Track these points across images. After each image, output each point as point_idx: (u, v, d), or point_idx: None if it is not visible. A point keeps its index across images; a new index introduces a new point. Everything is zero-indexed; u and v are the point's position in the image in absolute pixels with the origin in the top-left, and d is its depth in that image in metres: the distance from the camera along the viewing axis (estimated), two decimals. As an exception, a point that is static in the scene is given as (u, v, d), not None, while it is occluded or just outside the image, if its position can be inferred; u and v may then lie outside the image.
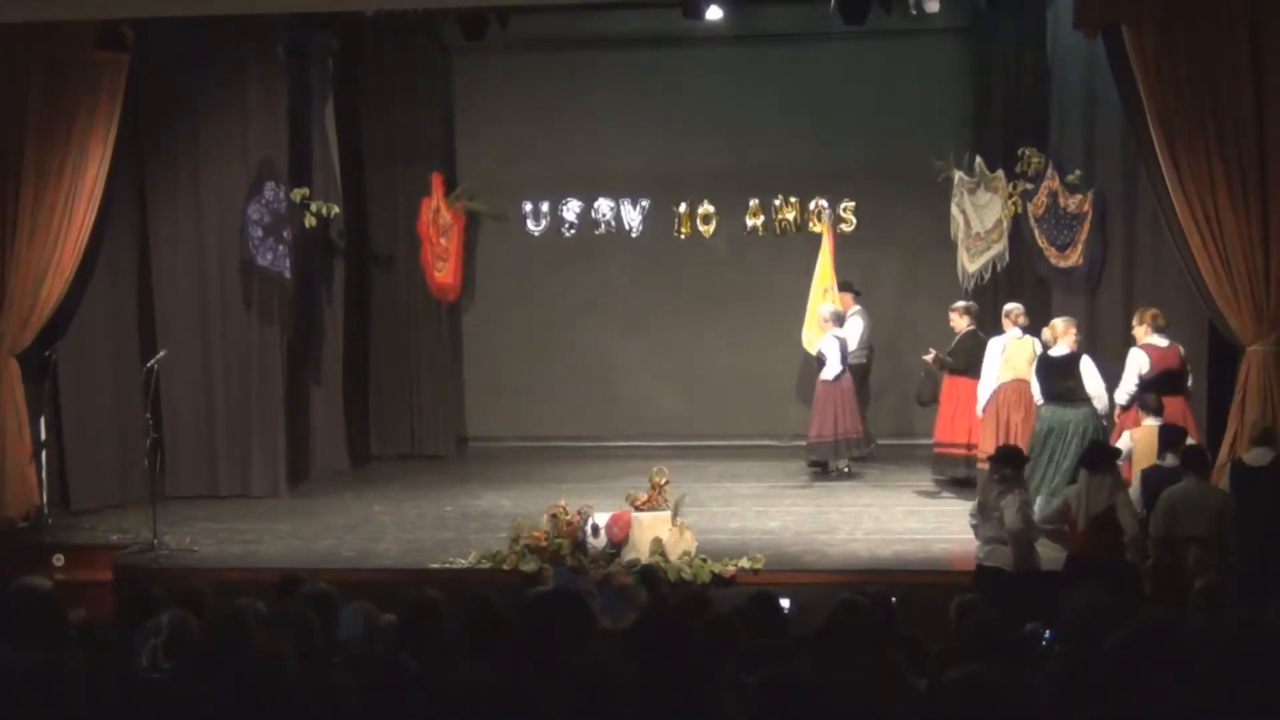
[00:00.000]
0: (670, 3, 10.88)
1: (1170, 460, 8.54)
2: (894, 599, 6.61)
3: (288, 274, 12.05)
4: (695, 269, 13.97)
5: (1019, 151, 11.61)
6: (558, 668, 4.56)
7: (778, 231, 13.85)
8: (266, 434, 12.11)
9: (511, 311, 14.21)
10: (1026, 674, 5.00)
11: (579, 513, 9.36)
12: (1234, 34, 9.41)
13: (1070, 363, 9.90)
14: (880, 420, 13.14)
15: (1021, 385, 10.49)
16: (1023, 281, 12.10)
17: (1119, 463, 8.92)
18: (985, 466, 10.03)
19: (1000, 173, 11.63)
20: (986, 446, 10.38)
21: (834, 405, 11.82)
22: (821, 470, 12.14)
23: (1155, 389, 9.54)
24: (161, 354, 11.15)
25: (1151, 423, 9.27)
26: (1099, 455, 8.42)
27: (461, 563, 9.40)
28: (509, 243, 14.20)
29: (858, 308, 12.61)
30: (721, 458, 13.12)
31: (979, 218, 11.72)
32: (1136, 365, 9.72)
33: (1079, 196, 11.15)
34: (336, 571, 8.98)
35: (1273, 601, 5.58)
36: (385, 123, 13.83)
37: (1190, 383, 9.85)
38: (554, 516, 9.38)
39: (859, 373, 12.36)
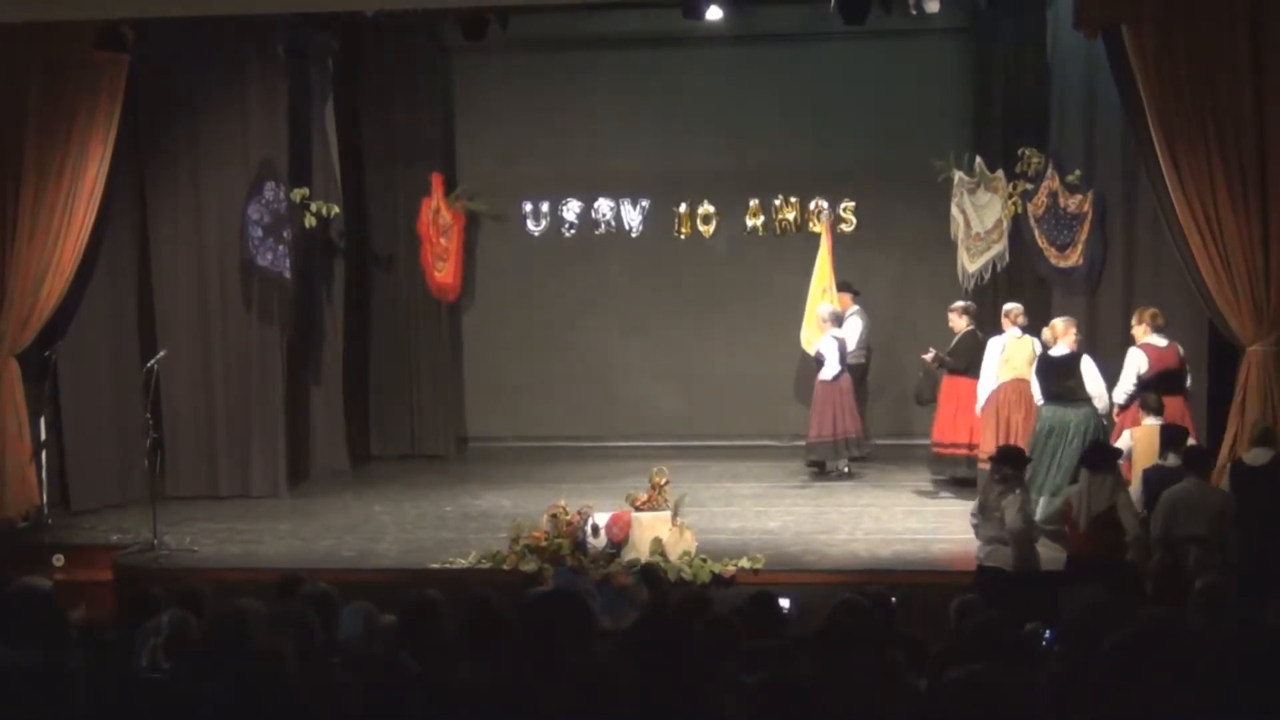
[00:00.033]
0: (670, 3, 10.88)
1: (1172, 460, 8.54)
2: (894, 599, 6.61)
3: (288, 274, 12.05)
4: (695, 269, 13.97)
5: (1019, 151, 11.61)
6: (558, 668, 4.56)
7: (778, 231, 13.85)
8: (266, 434, 12.11)
9: (511, 311, 14.22)
10: (1026, 674, 5.00)
11: (579, 513, 9.36)
12: (1234, 34, 9.41)
13: (1071, 363, 9.90)
14: (878, 420, 13.14)
15: (1022, 385, 10.50)
16: (1023, 281, 12.10)
17: (1119, 462, 8.94)
18: (986, 466, 10.07)
19: (1000, 173, 11.63)
20: (987, 446, 10.38)
21: (833, 405, 11.82)
22: (820, 470, 12.14)
23: (1154, 389, 9.54)
24: (161, 354, 11.15)
25: (1152, 422, 9.27)
26: (1100, 455, 8.42)
27: (461, 563, 9.41)
28: (509, 243, 14.20)
29: (856, 308, 12.62)
30: (721, 458, 13.12)
31: (979, 218, 11.72)
32: (1135, 365, 9.72)
33: (1079, 196, 11.15)
34: (336, 571, 8.98)
35: (1273, 601, 5.58)
36: (385, 123, 13.84)
37: (1189, 383, 9.85)
38: (554, 516, 9.38)
39: (857, 373, 12.37)
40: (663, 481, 9.53)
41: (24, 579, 5.95)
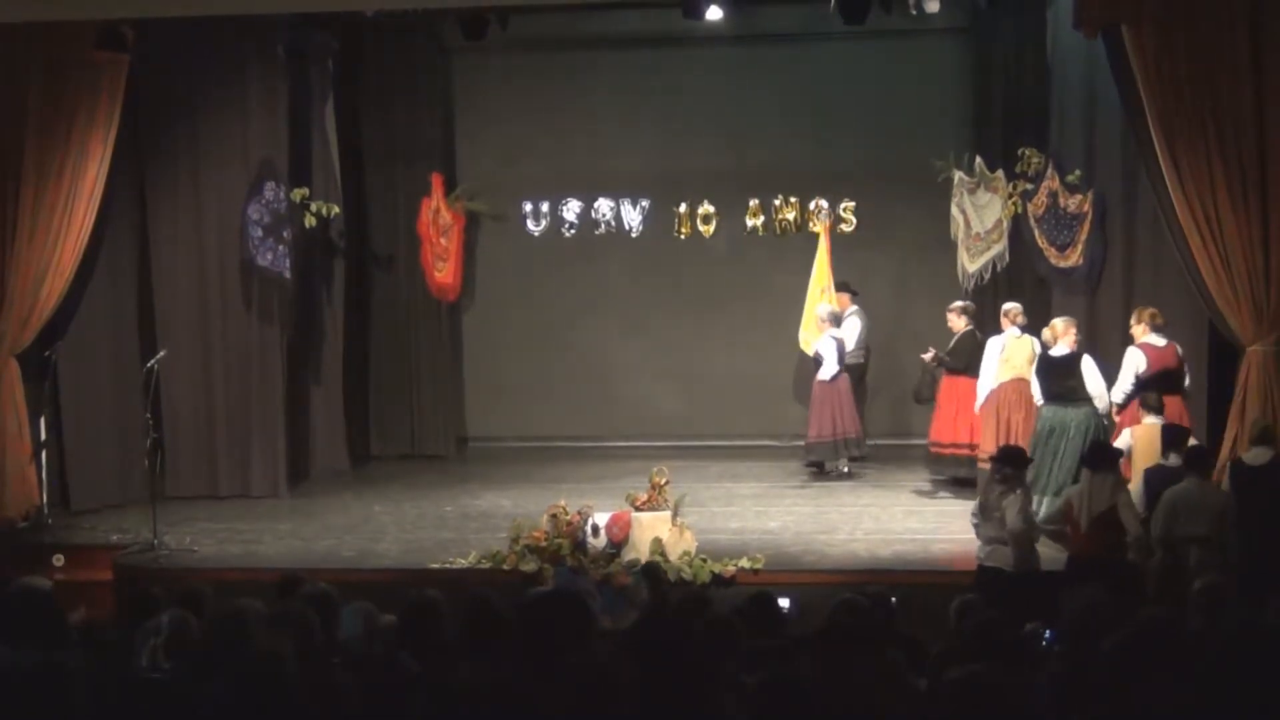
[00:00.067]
0: (670, 3, 10.88)
1: (1173, 460, 8.54)
2: (894, 599, 6.61)
3: (288, 274, 12.05)
4: (695, 269, 13.97)
5: (1019, 151, 11.61)
6: (558, 668, 4.56)
7: (778, 231, 13.85)
8: (266, 434, 12.11)
9: (511, 311, 14.22)
10: (1026, 674, 5.00)
11: (579, 513, 9.36)
12: (1234, 34, 9.40)
13: (1071, 362, 9.90)
14: (877, 420, 13.14)
15: (1022, 385, 10.50)
16: (1023, 281, 12.10)
17: (1119, 461, 8.95)
18: (986, 466, 10.07)
19: (1000, 173, 11.63)
20: (987, 446, 10.39)
21: (831, 405, 11.82)
22: (819, 470, 12.14)
23: (1153, 388, 9.54)
24: (161, 354, 11.15)
25: (1152, 420, 9.27)
26: (1101, 455, 8.42)
27: (461, 563, 9.40)
28: (509, 243, 14.20)
29: (855, 308, 12.62)
30: (721, 458, 13.12)
31: (979, 218, 11.72)
32: (1133, 364, 9.73)
33: (1079, 196, 11.15)
34: (336, 571, 8.98)
35: (1273, 601, 5.58)
36: (385, 123, 13.84)
37: (1188, 382, 9.85)
38: (554, 516, 9.38)
39: (856, 373, 12.37)
40: (663, 481, 9.53)
41: (24, 579, 5.95)
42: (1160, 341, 9.76)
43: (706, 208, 13.92)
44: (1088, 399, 9.79)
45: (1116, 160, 11.00)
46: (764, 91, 13.65)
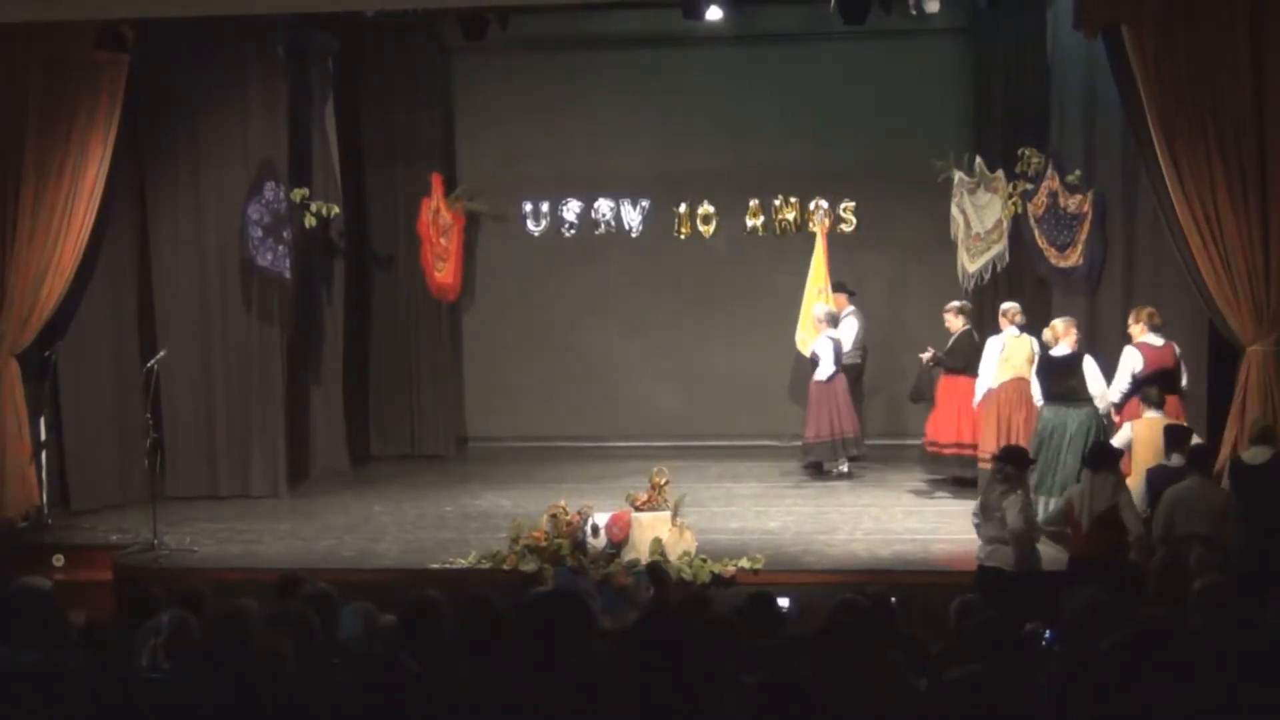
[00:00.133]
0: (670, 3, 10.88)
1: (1175, 460, 8.54)
2: (894, 599, 6.61)
3: (288, 274, 12.05)
4: (695, 269, 13.97)
5: (1019, 151, 11.61)
6: (558, 668, 4.56)
7: (777, 232, 13.85)
8: (266, 434, 12.11)
9: (511, 311, 14.22)
10: (1026, 674, 5.00)
11: (579, 513, 9.36)
12: (1234, 34, 9.40)
13: (1073, 363, 9.91)
14: (875, 420, 13.15)
15: (1022, 385, 10.51)
16: (1023, 281, 12.10)
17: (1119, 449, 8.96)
18: (986, 466, 10.07)
19: (1000, 173, 11.64)
20: (988, 446, 10.39)
21: (829, 406, 11.83)
22: (817, 470, 12.14)
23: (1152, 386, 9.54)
24: (161, 354, 11.15)
25: (1153, 415, 9.28)
26: (1102, 455, 8.41)
27: (461, 563, 9.40)
28: (509, 243, 14.20)
29: (852, 308, 12.63)
30: (721, 458, 13.12)
31: (979, 218, 11.72)
32: (1130, 364, 9.74)
33: (1079, 196, 11.15)
34: (336, 571, 8.98)
35: (1273, 601, 5.58)
36: (385, 123, 13.84)
37: (1185, 382, 9.84)
38: (554, 516, 9.38)
39: (853, 373, 12.36)
40: (663, 481, 9.52)
41: (24, 579, 5.95)
42: (1158, 341, 9.76)
43: (706, 208, 13.93)
44: (1088, 399, 9.80)
45: (1116, 160, 10.99)
46: (764, 91, 13.66)
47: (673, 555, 9.10)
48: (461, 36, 11.66)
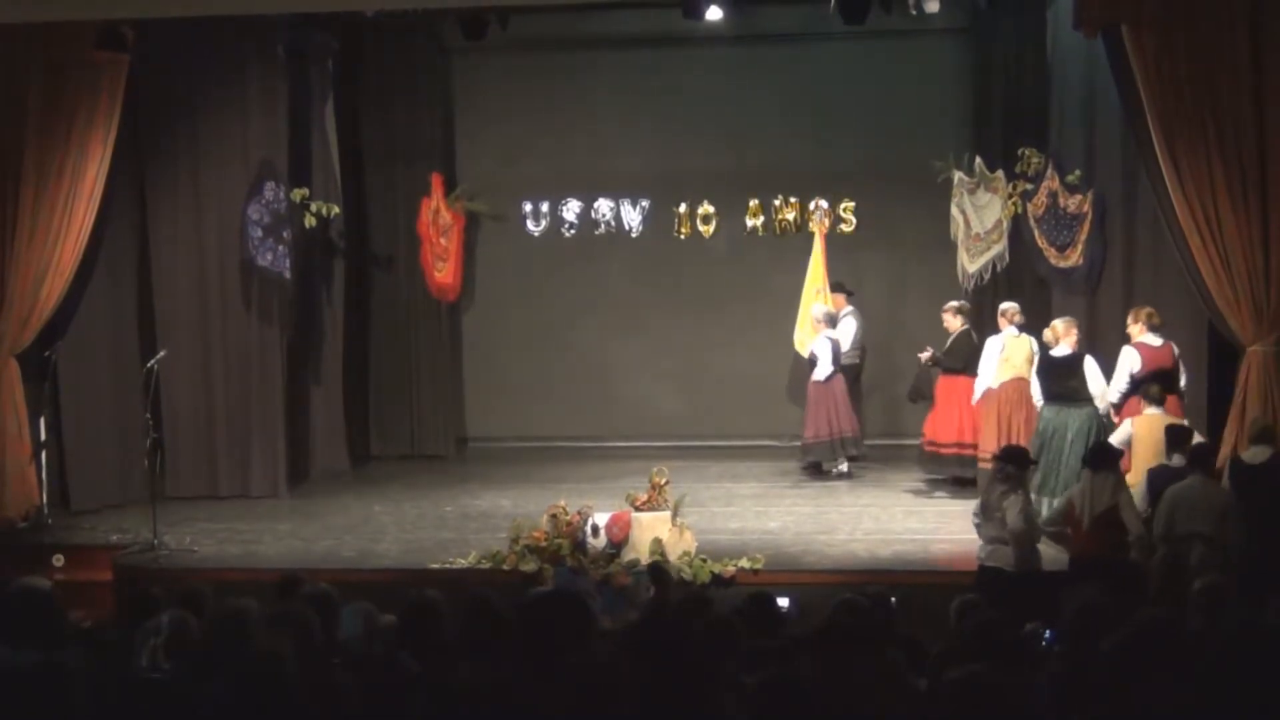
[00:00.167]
0: (670, 3, 10.90)
1: (1177, 460, 8.55)
2: (894, 599, 6.61)
3: (288, 274, 12.05)
4: (695, 269, 13.97)
5: (1019, 151, 11.62)
6: (558, 668, 4.56)
7: (777, 232, 13.86)
8: (266, 434, 12.11)
9: (511, 311, 14.22)
10: (1026, 674, 5.00)
11: (579, 513, 9.35)
12: (1234, 34, 9.40)
13: (1073, 363, 9.91)
14: (873, 420, 13.16)
15: (1022, 384, 10.52)
16: (1023, 282, 12.11)
17: (1119, 448, 8.96)
18: (987, 466, 10.07)
19: (1000, 173, 11.64)
20: (988, 446, 10.40)
21: (827, 406, 11.83)
22: (816, 470, 12.14)
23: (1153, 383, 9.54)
24: (161, 354, 11.14)
25: (1153, 412, 9.28)
26: (1102, 455, 8.41)
27: (461, 563, 9.40)
28: (509, 243, 14.21)
29: (850, 308, 12.63)
30: (721, 458, 13.12)
31: (979, 218, 11.73)
32: (1128, 364, 9.73)
33: (1079, 197, 11.15)
34: (336, 571, 8.98)
35: (1273, 601, 5.58)
36: (385, 123, 13.84)
37: (1184, 383, 9.83)
38: (554, 516, 9.38)
39: (851, 373, 12.36)
40: (663, 481, 9.52)
41: (24, 579, 5.94)
42: (1156, 341, 9.75)
43: (706, 208, 13.93)
44: (1089, 399, 9.80)
45: (1116, 160, 10.99)
46: (764, 91, 13.66)
47: (673, 555, 9.09)
48: (461, 36, 11.68)
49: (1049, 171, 11.31)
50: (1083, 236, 11.13)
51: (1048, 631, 6.04)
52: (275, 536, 10.54)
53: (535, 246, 14.21)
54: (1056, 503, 9.27)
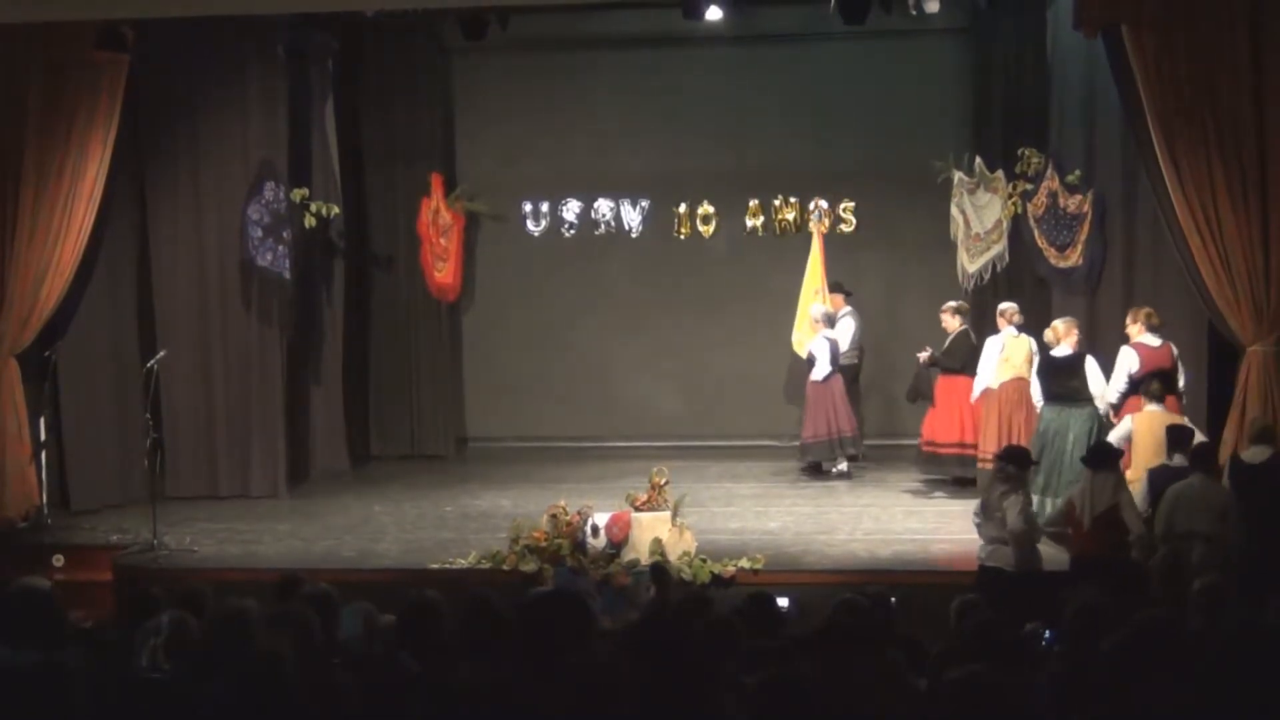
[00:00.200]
0: (670, 3, 10.90)
1: (1178, 460, 8.55)
2: (894, 599, 6.61)
3: (288, 274, 12.05)
4: (695, 269, 13.97)
5: (1019, 152, 11.63)
6: (558, 668, 4.56)
7: (777, 232, 13.86)
8: (266, 434, 12.11)
9: (511, 311, 14.22)
10: (1026, 674, 5.00)
11: (579, 513, 9.36)
12: (1234, 34, 9.40)
13: (1075, 363, 9.92)
14: (871, 420, 13.16)
15: (1022, 385, 10.53)
16: (1022, 282, 12.11)
17: (1119, 444, 8.98)
18: (987, 467, 10.08)
19: (1000, 173, 11.65)
20: (989, 447, 10.41)
21: (825, 406, 11.83)
22: (816, 470, 12.13)
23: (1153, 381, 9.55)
24: (161, 354, 11.15)
25: (1153, 408, 9.28)
26: (1102, 455, 8.41)
27: (461, 563, 9.40)
28: (509, 243, 14.21)
29: (848, 309, 12.63)
30: (721, 458, 13.12)
31: (979, 218, 11.73)
32: (1126, 364, 9.74)
33: (1079, 197, 11.15)
34: (336, 571, 8.98)
35: (1273, 601, 5.58)
36: (385, 123, 13.85)
37: (1183, 383, 9.83)
38: (554, 516, 9.38)
39: (850, 373, 12.36)
40: (662, 481, 9.52)
41: (24, 579, 5.94)
42: (1155, 341, 9.75)
43: (706, 208, 13.94)
44: (1090, 399, 9.80)
45: (1116, 160, 10.99)
46: (764, 91, 13.66)
47: (673, 555, 9.09)
48: (461, 36, 11.68)
49: (1049, 171, 11.31)
50: (1083, 236, 11.14)
51: (1048, 631, 6.03)
52: (275, 536, 10.54)
53: (535, 246, 14.22)
54: (1049, 503, 9.30)
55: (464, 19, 11.39)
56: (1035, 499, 9.27)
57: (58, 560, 9.80)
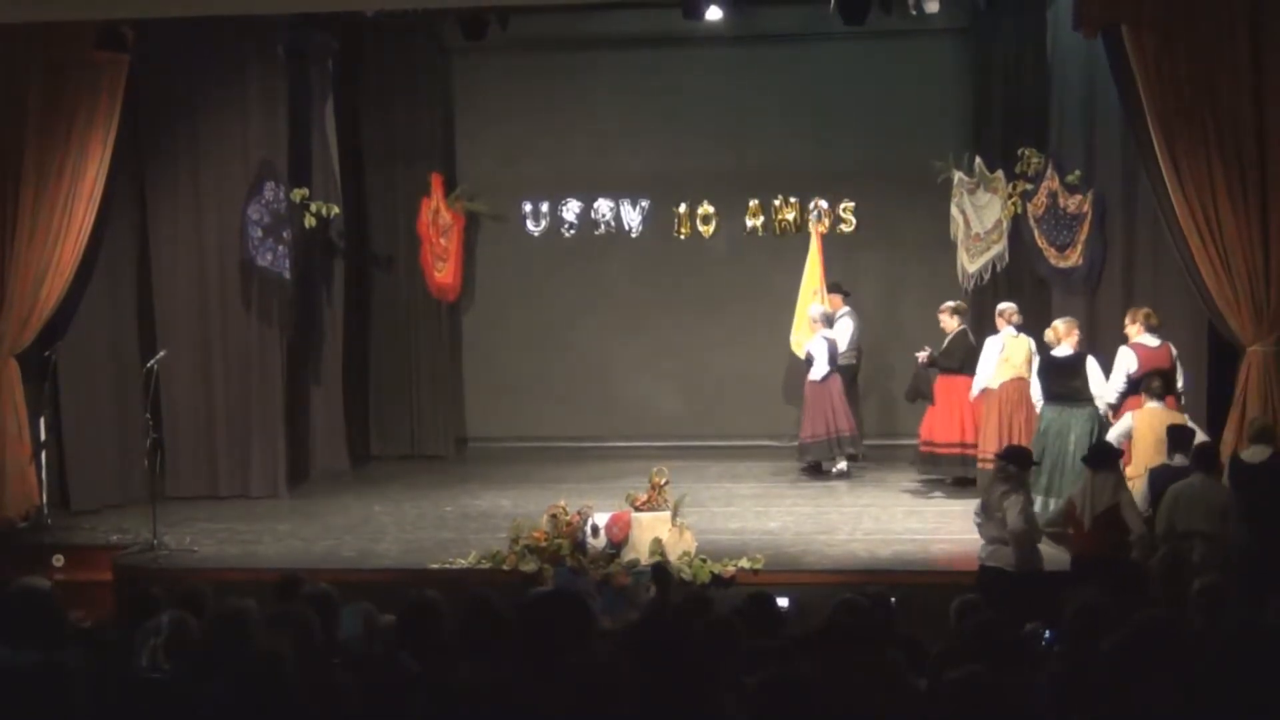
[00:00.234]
0: (670, 3, 10.89)
1: (1179, 460, 8.55)
2: (894, 599, 6.61)
3: (288, 274, 12.05)
4: (695, 269, 13.96)
5: (1019, 152, 11.63)
6: (558, 668, 4.56)
7: (777, 232, 13.86)
8: (266, 434, 12.11)
9: (511, 311, 14.22)
10: (1026, 674, 5.00)
11: (579, 513, 9.36)
12: (1234, 34, 9.41)
13: (1076, 363, 9.92)
14: (869, 421, 13.16)
15: (1022, 385, 10.53)
16: (1022, 282, 12.11)
17: (1119, 442, 8.98)
18: (987, 467, 10.08)
19: (1000, 173, 11.65)
20: (989, 447, 10.40)
21: (824, 405, 11.83)
22: (815, 470, 12.14)
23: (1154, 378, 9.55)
24: (161, 354, 11.15)
25: (1153, 405, 9.29)
26: (1102, 455, 8.41)
27: (461, 563, 9.40)
28: (509, 243, 14.21)
29: (847, 309, 12.63)
30: (721, 458, 13.12)
31: (979, 218, 11.73)
32: (1124, 364, 9.74)
33: (1079, 197, 11.15)
34: (336, 571, 8.98)
35: (1273, 601, 5.58)
36: (385, 123, 13.85)
37: (1181, 384, 9.83)
38: (554, 516, 9.38)
39: (848, 374, 12.36)
40: (662, 481, 9.52)
41: (24, 579, 5.94)
42: (1154, 342, 9.75)
43: (706, 208, 13.93)
44: (1090, 399, 9.81)
45: (1116, 160, 10.99)
46: (764, 91, 13.65)
47: (673, 555, 9.09)
48: (461, 36, 11.68)
49: (1049, 171, 11.31)
50: (1082, 236, 11.14)
51: (1048, 631, 6.03)
52: (275, 536, 10.55)
53: (535, 246, 14.21)
54: (1050, 503, 9.30)
55: (464, 19, 11.39)
56: (1039, 499, 9.30)
57: (58, 560, 9.81)
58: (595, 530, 9.24)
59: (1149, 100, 9.56)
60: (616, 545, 9.20)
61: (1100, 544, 8.06)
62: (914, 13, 10.85)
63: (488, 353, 14.30)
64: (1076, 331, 10.08)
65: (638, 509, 9.37)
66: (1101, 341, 10.74)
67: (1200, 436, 8.86)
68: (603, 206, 14.14)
